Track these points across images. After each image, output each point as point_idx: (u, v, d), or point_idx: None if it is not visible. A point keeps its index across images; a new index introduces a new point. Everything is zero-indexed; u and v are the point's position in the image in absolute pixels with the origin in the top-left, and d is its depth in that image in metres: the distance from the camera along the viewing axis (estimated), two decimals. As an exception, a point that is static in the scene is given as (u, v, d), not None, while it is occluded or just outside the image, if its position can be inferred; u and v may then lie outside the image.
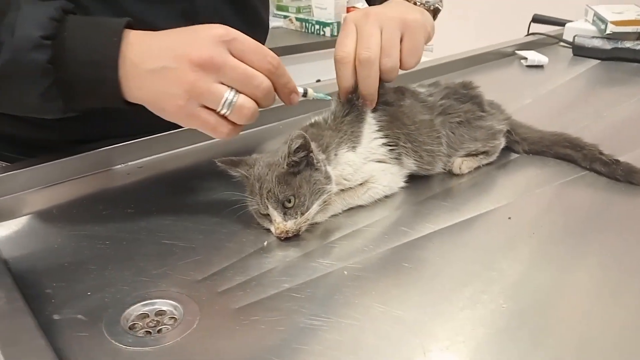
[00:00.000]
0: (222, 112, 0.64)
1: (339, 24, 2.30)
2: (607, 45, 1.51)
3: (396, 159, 0.78)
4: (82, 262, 0.63)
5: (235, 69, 0.63)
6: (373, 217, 0.73)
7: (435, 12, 0.89)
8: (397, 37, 0.76)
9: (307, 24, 2.35)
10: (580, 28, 1.61)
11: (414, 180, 0.81)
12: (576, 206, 0.79)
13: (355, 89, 0.77)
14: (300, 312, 0.55)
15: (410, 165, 0.79)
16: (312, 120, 0.78)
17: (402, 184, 0.79)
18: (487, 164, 0.87)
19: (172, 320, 0.54)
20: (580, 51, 1.55)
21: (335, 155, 0.73)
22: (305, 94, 0.74)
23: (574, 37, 1.56)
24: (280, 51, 2.13)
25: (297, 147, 0.66)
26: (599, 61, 1.51)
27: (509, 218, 0.73)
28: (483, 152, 0.86)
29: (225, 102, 0.63)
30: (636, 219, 0.75)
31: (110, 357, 0.49)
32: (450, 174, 0.84)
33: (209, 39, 0.62)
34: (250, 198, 0.69)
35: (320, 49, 2.22)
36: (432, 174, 0.82)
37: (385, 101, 0.79)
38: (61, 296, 0.57)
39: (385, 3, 0.87)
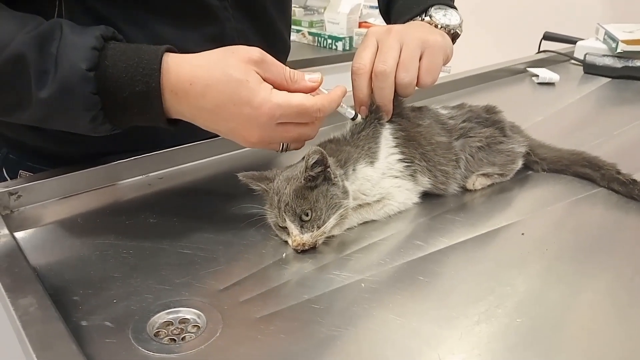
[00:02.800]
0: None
1: (350, 38, 2.33)
2: (618, 64, 1.52)
3: (411, 175, 0.79)
4: (107, 270, 0.65)
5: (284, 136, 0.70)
6: (388, 231, 0.75)
7: (454, 37, 0.91)
8: (417, 55, 0.79)
9: (319, 38, 2.38)
10: (591, 46, 1.63)
11: (428, 194, 0.82)
12: (589, 223, 0.80)
13: (372, 102, 0.79)
14: (319, 322, 0.56)
15: (425, 183, 0.81)
16: (331, 136, 0.80)
17: (417, 200, 0.81)
18: (500, 181, 0.88)
19: (196, 328, 0.56)
20: (591, 69, 1.56)
21: (354, 170, 0.75)
22: (354, 118, 0.79)
23: (585, 55, 1.58)
24: (293, 65, 2.15)
25: (314, 163, 0.68)
26: (609, 79, 1.53)
27: (523, 234, 0.74)
28: (499, 174, 0.87)
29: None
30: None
31: (137, 362, 0.51)
32: (463, 189, 0.85)
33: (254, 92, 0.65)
34: (269, 211, 0.71)
35: (332, 63, 2.25)
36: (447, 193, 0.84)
37: (403, 118, 0.81)
38: (89, 303, 0.58)
39: (408, 23, 0.89)
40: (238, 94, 0.65)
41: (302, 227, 0.68)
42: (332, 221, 0.69)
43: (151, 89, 0.65)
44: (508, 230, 0.76)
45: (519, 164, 0.90)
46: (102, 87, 0.64)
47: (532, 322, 0.57)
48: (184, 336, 0.55)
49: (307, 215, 0.68)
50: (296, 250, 0.69)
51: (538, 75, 1.48)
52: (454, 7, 0.94)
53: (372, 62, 0.78)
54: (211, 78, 0.66)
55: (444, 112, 0.88)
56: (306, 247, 0.68)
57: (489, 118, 0.88)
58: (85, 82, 0.63)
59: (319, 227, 0.68)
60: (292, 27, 2.55)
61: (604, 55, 1.57)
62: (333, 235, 0.72)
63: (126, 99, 0.65)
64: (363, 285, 0.63)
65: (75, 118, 0.67)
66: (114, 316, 0.56)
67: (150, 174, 0.89)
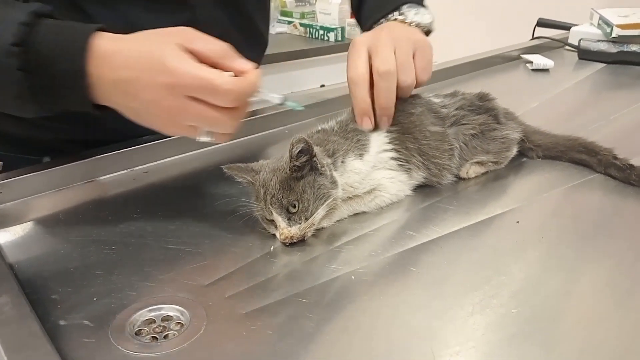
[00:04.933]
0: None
1: (342, 29, 2.30)
2: (613, 49, 1.50)
3: (405, 171, 0.77)
4: (88, 267, 0.62)
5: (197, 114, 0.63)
6: (380, 222, 0.73)
7: (427, 34, 0.91)
8: (411, 55, 0.79)
9: (311, 30, 2.35)
10: (585, 32, 1.60)
11: (421, 183, 0.80)
12: (586, 210, 0.78)
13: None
14: (307, 317, 0.54)
15: (419, 177, 0.79)
16: (318, 127, 0.78)
17: (409, 192, 0.79)
18: (495, 168, 0.86)
19: (179, 325, 0.54)
20: (586, 55, 1.54)
21: (343, 162, 0.73)
22: (281, 103, 0.72)
23: (580, 40, 1.56)
24: (285, 56, 2.13)
25: (298, 152, 0.66)
26: (604, 65, 1.50)
27: (518, 222, 0.72)
28: (493, 162, 0.85)
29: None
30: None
31: (116, 362, 0.49)
32: (457, 177, 0.83)
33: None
34: (256, 204, 0.69)
35: (324, 54, 2.22)
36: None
37: (395, 112, 0.79)
38: (67, 301, 0.56)
39: (382, 26, 0.87)
40: (154, 63, 0.61)
41: (289, 219, 0.66)
42: (320, 212, 0.67)
43: (76, 67, 0.62)
44: (503, 219, 0.74)
45: (514, 151, 0.87)
46: (28, 63, 0.61)
47: (529, 312, 0.55)
48: (167, 334, 0.53)
49: (294, 207, 0.66)
50: (284, 244, 0.66)
51: (532, 62, 1.46)
52: (425, 6, 0.94)
53: (368, 69, 0.77)
54: (133, 50, 0.63)
55: (436, 100, 0.85)
56: (294, 240, 0.66)
57: (482, 105, 0.86)
58: (10, 56, 0.60)
59: (307, 219, 0.66)
60: (283, 18, 2.52)
61: (598, 41, 1.54)
62: (322, 227, 0.70)
63: (52, 77, 0.63)
64: (353, 277, 0.61)
65: (2, 94, 0.65)
66: (93, 314, 0.54)
67: (135, 168, 0.87)
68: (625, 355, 0.51)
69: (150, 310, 0.55)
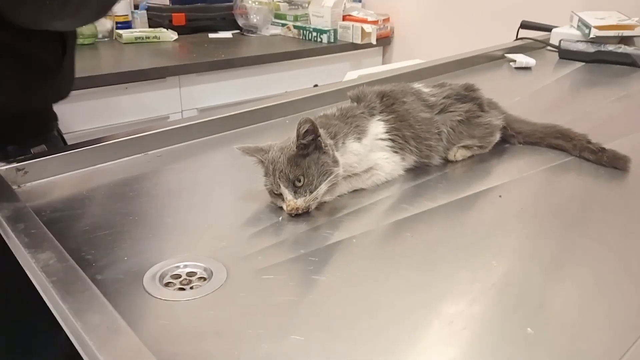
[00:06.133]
0: None
1: (335, 31, 2.38)
2: (591, 49, 1.60)
3: (399, 155, 0.85)
4: (116, 233, 0.69)
5: None
6: (376, 197, 0.80)
7: None
8: None
9: (304, 32, 2.43)
10: (566, 33, 1.70)
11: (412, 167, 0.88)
12: (562, 187, 0.86)
13: (360, 94, 0.85)
14: (316, 271, 0.62)
15: (411, 161, 0.87)
16: (321, 113, 0.86)
17: (402, 172, 0.87)
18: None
19: (202, 280, 0.61)
20: (566, 54, 1.63)
21: (343, 144, 0.80)
22: None
23: (560, 41, 1.65)
24: (279, 57, 2.21)
25: (305, 131, 0.73)
26: (583, 63, 1.60)
27: (500, 196, 0.80)
28: (478, 146, 0.93)
29: None
30: (616, 198, 0.82)
31: (151, 306, 0.56)
32: (445, 160, 0.91)
33: None
34: (265, 179, 0.76)
35: (317, 55, 2.30)
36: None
37: (390, 99, 0.87)
38: (101, 261, 0.63)
39: None
40: None
41: (295, 192, 0.73)
42: (323, 187, 0.74)
43: None
44: (487, 194, 0.82)
45: (497, 136, 0.96)
46: None
47: (509, 265, 0.64)
48: (192, 286, 0.60)
49: (299, 181, 0.73)
50: (290, 215, 0.74)
51: (515, 61, 1.55)
52: None
53: None
54: None
55: (425, 90, 0.93)
56: (300, 212, 0.73)
57: (468, 95, 0.94)
58: None
59: (311, 192, 0.74)
60: (277, 21, 2.59)
61: (577, 41, 1.64)
62: (325, 201, 0.78)
63: None
64: (355, 241, 0.68)
65: None
66: (126, 270, 0.61)
67: (149, 152, 0.94)
68: (587, 305, 0.59)
69: (176, 267, 0.62)
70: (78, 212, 0.76)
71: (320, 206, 0.77)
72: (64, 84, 0.92)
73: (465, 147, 0.92)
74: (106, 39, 2.29)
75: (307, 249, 0.66)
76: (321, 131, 0.76)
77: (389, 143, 0.84)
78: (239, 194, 0.79)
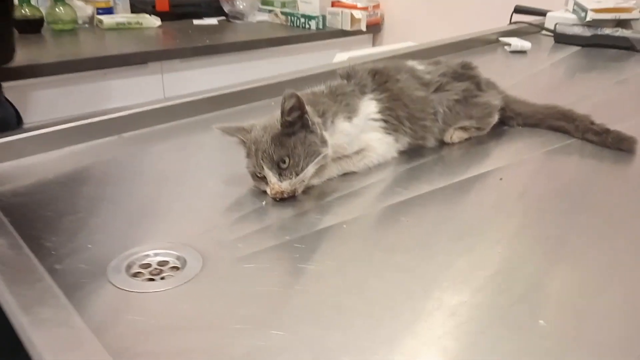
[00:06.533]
0: None
1: (323, 17, 2.31)
2: (587, 32, 1.55)
3: (392, 136, 0.79)
4: (82, 218, 0.63)
5: None
6: (368, 180, 0.74)
7: None
8: None
9: (292, 18, 2.36)
10: (561, 16, 1.65)
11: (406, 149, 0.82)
12: (564, 170, 0.81)
13: (351, 71, 0.78)
14: (303, 259, 0.56)
15: (405, 143, 0.81)
16: (308, 90, 0.79)
17: (395, 155, 0.81)
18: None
19: (174, 269, 0.54)
20: (562, 38, 1.58)
21: (332, 123, 0.74)
22: None
23: (556, 25, 1.60)
24: (266, 43, 2.13)
25: (290, 107, 0.67)
26: (579, 48, 1.55)
27: (500, 179, 0.75)
28: (476, 127, 0.88)
29: None
30: (621, 181, 0.77)
31: (115, 299, 0.49)
32: (440, 142, 0.85)
33: None
34: (247, 161, 0.70)
35: (306, 41, 2.23)
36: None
37: (384, 80, 0.80)
38: (63, 248, 0.56)
39: None
40: None
41: (280, 174, 0.67)
42: (310, 169, 0.68)
43: None
44: (486, 177, 0.76)
45: (496, 117, 0.90)
46: None
47: (510, 252, 0.58)
48: (163, 276, 0.53)
49: (284, 162, 0.67)
50: (275, 199, 0.67)
51: (510, 44, 1.50)
52: None
53: None
54: None
55: (420, 67, 0.87)
56: (285, 196, 0.67)
57: (465, 73, 0.88)
58: None
59: (297, 174, 0.67)
60: (264, 7, 2.52)
61: (573, 25, 1.59)
62: (312, 185, 0.71)
63: None
64: (345, 227, 0.62)
65: None
66: (89, 259, 0.55)
67: (124, 135, 0.87)
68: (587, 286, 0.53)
69: (146, 256, 0.56)
70: (42, 197, 0.69)
71: (308, 190, 0.71)
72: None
73: (462, 128, 0.86)
74: (86, 25, 2.20)
75: (293, 235, 0.60)
76: (308, 108, 0.69)
77: (382, 124, 0.78)
78: (219, 178, 0.73)
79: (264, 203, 0.67)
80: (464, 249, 0.58)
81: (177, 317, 0.48)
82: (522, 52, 1.49)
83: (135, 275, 0.53)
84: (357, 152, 0.77)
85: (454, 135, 0.86)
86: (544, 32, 1.68)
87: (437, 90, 0.84)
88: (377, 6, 2.46)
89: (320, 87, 0.80)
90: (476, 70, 0.89)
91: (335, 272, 0.54)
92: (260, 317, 0.47)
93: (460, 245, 0.59)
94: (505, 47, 1.51)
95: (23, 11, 1.96)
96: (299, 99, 0.67)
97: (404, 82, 0.81)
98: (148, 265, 0.55)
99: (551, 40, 1.62)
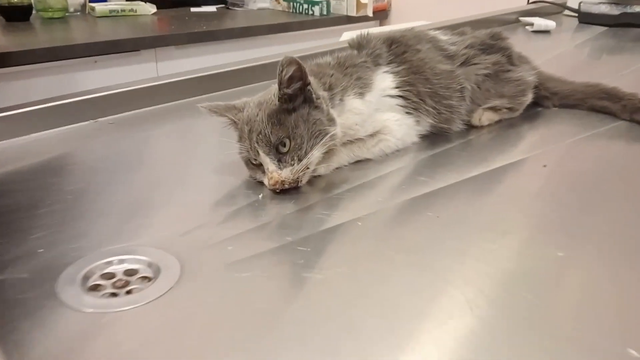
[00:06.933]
0: None
1: (328, 3, 2.19)
2: (615, 11, 1.42)
3: (413, 115, 0.67)
4: (39, 216, 0.51)
5: None
6: (385, 169, 0.62)
7: None
8: None
9: (294, 4, 2.24)
10: (585, -6, 1.52)
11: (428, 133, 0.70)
12: (612, 156, 0.69)
13: (363, 40, 0.67)
14: (308, 265, 0.44)
15: (427, 124, 0.69)
16: (312, 62, 0.67)
17: (416, 139, 0.69)
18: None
19: (145, 280, 0.43)
20: (587, 18, 1.46)
21: (341, 100, 0.62)
22: None
23: (580, 3, 1.48)
24: (266, 30, 2.02)
25: (289, 77, 0.55)
26: (606, 28, 1.43)
27: (544, 166, 0.63)
28: (508, 108, 0.76)
29: None
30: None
31: (64, 321, 0.38)
32: (466, 126, 0.73)
33: None
34: (240, 145, 0.58)
35: (309, 28, 2.11)
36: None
37: (402, 51, 0.68)
38: (7, 254, 0.45)
39: None
40: None
41: (279, 160, 0.55)
42: (316, 153, 0.56)
43: None
44: (524, 164, 0.64)
45: (530, 96, 0.78)
46: None
47: (571, 252, 0.46)
48: (130, 289, 0.42)
49: (284, 145, 0.55)
50: (274, 191, 0.56)
51: (533, 24, 1.37)
52: None
53: None
54: None
55: (443, 37, 0.76)
56: (286, 186, 0.55)
57: (495, 44, 0.76)
58: None
59: (300, 160, 0.55)
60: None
61: (600, 3, 1.46)
62: (319, 175, 0.60)
63: None
64: (360, 224, 0.50)
65: None
66: (37, 267, 0.43)
67: (100, 119, 0.75)
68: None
69: (108, 263, 0.44)
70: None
71: (313, 180, 0.59)
72: None
73: (492, 109, 0.74)
74: (78, 13, 2.10)
75: (295, 235, 0.48)
76: (311, 79, 0.58)
77: (400, 101, 0.66)
78: (208, 167, 0.61)
79: (260, 196, 0.56)
80: (506, 248, 0.46)
81: (143, 344, 0.36)
82: (545, 33, 1.37)
83: (94, 288, 0.42)
84: (372, 136, 0.65)
85: (483, 117, 0.74)
86: (566, 12, 1.55)
87: (463, 63, 0.72)
88: (384, -9, 2.33)
89: (327, 59, 0.68)
90: (507, 42, 0.77)
91: (347, 282, 0.42)
92: (254, 342, 0.36)
93: (501, 244, 0.47)
94: (527, 27, 1.39)
95: (11, -2, 1.85)
96: (300, 66, 0.55)
97: (426, 52, 0.69)
98: (111, 276, 0.43)
99: (574, 21, 1.50)
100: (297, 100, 0.56)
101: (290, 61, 0.54)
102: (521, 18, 1.44)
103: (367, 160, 0.64)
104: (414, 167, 0.63)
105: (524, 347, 0.35)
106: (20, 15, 1.87)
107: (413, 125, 0.67)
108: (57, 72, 1.56)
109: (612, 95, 0.78)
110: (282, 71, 0.54)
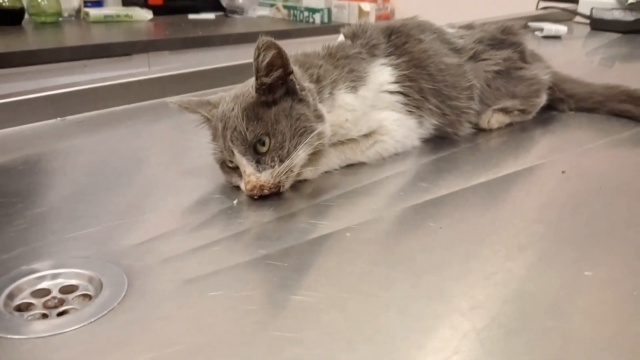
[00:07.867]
0: None
1: (329, 10, 2.13)
2: (629, 17, 1.35)
3: (414, 114, 0.60)
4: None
5: None
6: (381, 173, 0.55)
7: None
8: None
9: (295, 12, 2.18)
10: (597, 0, 1.46)
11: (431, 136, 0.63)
12: (634, 163, 0.61)
13: (358, 30, 0.60)
14: (283, 285, 0.36)
15: (430, 126, 0.61)
16: (299, 52, 0.60)
17: (417, 143, 0.61)
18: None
19: (84, 298, 0.35)
20: (599, 24, 1.39)
21: (330, 94, 0.55)
22: None
23: (592, 9, 1.41)
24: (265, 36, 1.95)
25: (267, 62, 0.48)
26: (619, 35, 1.36)
27: (563, 172, 0.55)
28: (520, 110, 0.68)
29: None
30: None
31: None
32: (476, 128, 0.66)
33: None
34: (214, 144, 0.50)
35: (309, 35, 2.05)
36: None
37: (402, 42, 0.61)
38: None
39: None
40: None
41: (258, 162, 0.48)
42: (300, 153, 0.49)
43: None
44: (539, 170, 0.57)
45: (544, 98, 0.71)
46: None
47: (606, 274, 0.38)
48: (65, 310, 0.34)
49: (263, 144, 0.47)
50: (252, 197, 0.48)
51: (543, 29, 1.31)
52: None
53: None
54: None
55: (450, 30, 0.69)
56: (266, 192, 0.48)
57: (506, 39, 0.69)
58: None
59: (281, 161, 0.48)
60: (266, 1, 2.35)
61: (613, 9, 1.40)
62: (305, 179, 0.52)
63: None
64: (348, 235, 0.43)
65: None
66: (-48, 283, 0.35)
67: (68, 118, 0.68)
68: None
69: (41, 278, 0.36)
70: None
71: (298, 185, 0.51)
72: None
73: (503, 110, 0.67)
74: (72, 18, 2.04)
75: (272, 248, 0.40)
76: (295, 68, 0.50)
77: (400, 98, 0.58)
78: (179, 170, 0.54)
79: (235, 202, 0.48)
80: (523, 266, 0.38)
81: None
82: (555, 38, 1.30)
83: (22, 308, 0.34)
84: (366, 136, 0.57)
85: (492, 119, 0.66)
86: (578, 18, 1.48)
87: (471, 59, 0.64)
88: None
89: (316, 48, 0.60)
90: (520, 36, 0.70)
91: (330, 306, 0.34)
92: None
93: (517, 261, 0.39)
94: (537, 33, 1.32)
95: (2, 1, 1.79)
96: (279, 50, 0.47)
97: (430, 43, 0.62)
98: (46, 293, 0.35)
99: (586, 28, 1.43)
100: (277, 91, 0.48)
101: (269, 44, 0.46)
102: (530, 23, 1.38)
103: (361, 164, 0.57)
104: (415, 172, 0.56)
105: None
106: (11, 19, 1.82)
107: (414, 127, 0.60)
108: (45, 75, 1.50)
109: (635, 97, 0.70)
110: (258, 55, 0.46)
